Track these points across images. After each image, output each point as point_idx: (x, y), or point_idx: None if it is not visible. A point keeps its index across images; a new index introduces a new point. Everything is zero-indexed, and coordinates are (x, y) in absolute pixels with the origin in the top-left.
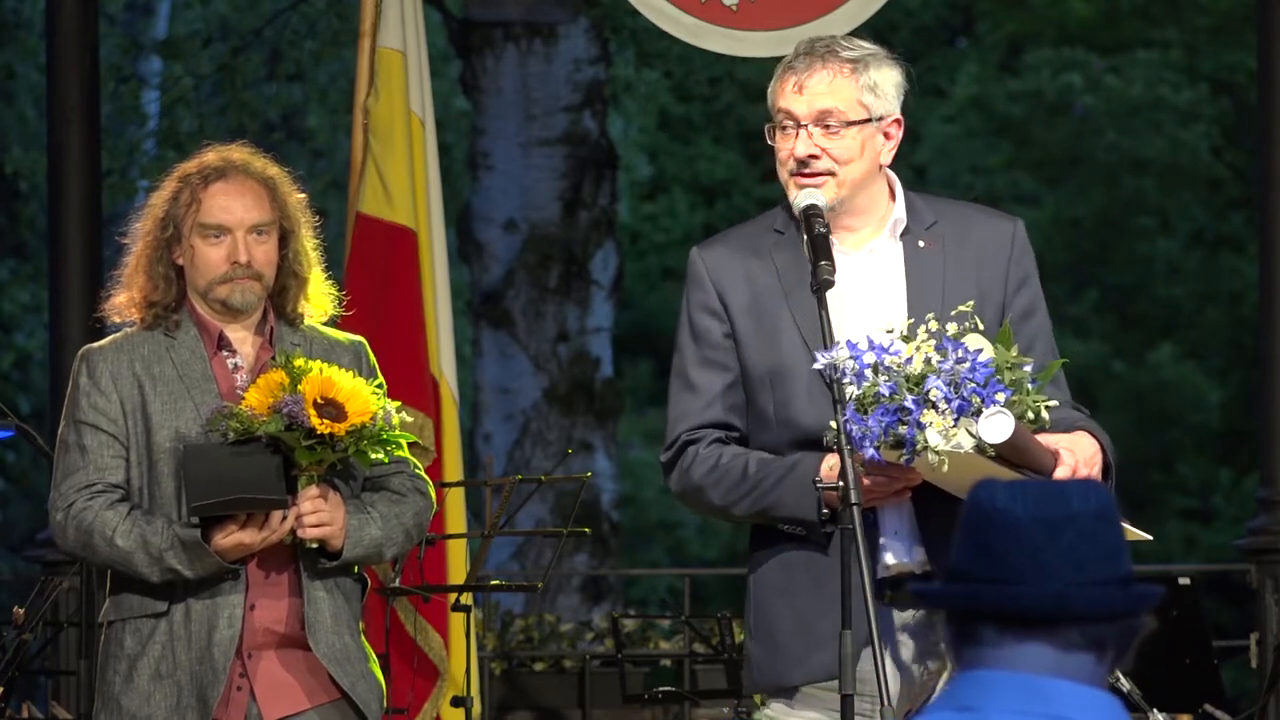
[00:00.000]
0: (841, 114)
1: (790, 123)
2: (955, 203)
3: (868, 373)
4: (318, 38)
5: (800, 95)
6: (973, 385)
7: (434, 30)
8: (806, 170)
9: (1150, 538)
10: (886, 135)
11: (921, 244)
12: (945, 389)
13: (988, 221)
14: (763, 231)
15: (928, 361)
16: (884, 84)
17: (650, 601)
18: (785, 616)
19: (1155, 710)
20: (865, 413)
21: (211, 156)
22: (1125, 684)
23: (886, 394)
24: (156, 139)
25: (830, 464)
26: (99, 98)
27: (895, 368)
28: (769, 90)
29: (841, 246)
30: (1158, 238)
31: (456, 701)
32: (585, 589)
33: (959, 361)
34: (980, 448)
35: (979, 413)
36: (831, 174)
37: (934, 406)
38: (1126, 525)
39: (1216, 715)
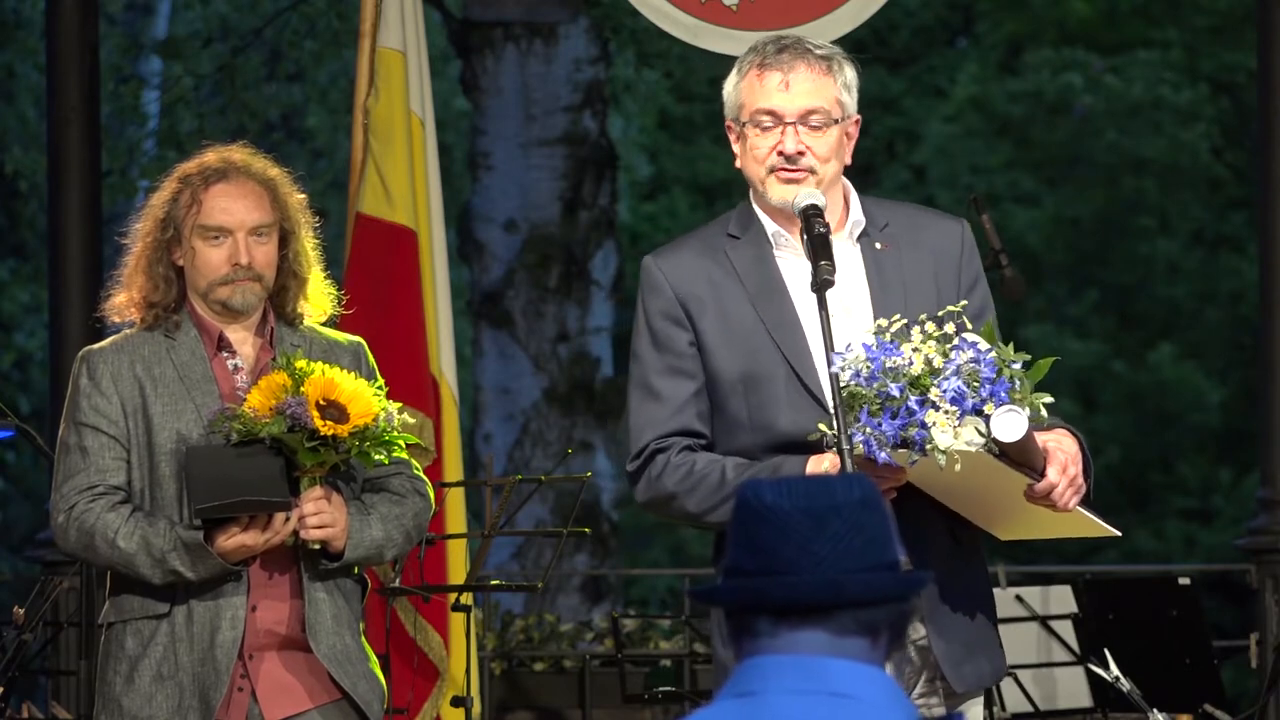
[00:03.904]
0: (825, 112)
1: (770, 120)
2: (902, 204)
3: (880, 374)
4: (318, 38)
5: (786, 92)
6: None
7: (434, 30)
8: (791, 167)
9: (1119, 533)
10: (848, 135)
11: (878, 246)
12: (961, 388)
13: (937, 223)
14: (717, 236)
15: (929, 362)
16: (853, 83)
17: (650, 601)
18: None
19: (1155, 710)
20: (876, 415)
21: (212, 157)
22: (1125, 684)
23: (896, 395)
24: (156, 139)
25: (825, 463)
26: (99, 98)
27: (899, 368)
28: (733, 88)
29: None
30: (1158, 238)
31: (456, 701)
32: (585, 589)
33: (973, 361)
34: (989, 446)
35: (979, 411)
36: (812, 171)
37: (935, 406)
38: (1095, 518)
39: (1216, 715)
